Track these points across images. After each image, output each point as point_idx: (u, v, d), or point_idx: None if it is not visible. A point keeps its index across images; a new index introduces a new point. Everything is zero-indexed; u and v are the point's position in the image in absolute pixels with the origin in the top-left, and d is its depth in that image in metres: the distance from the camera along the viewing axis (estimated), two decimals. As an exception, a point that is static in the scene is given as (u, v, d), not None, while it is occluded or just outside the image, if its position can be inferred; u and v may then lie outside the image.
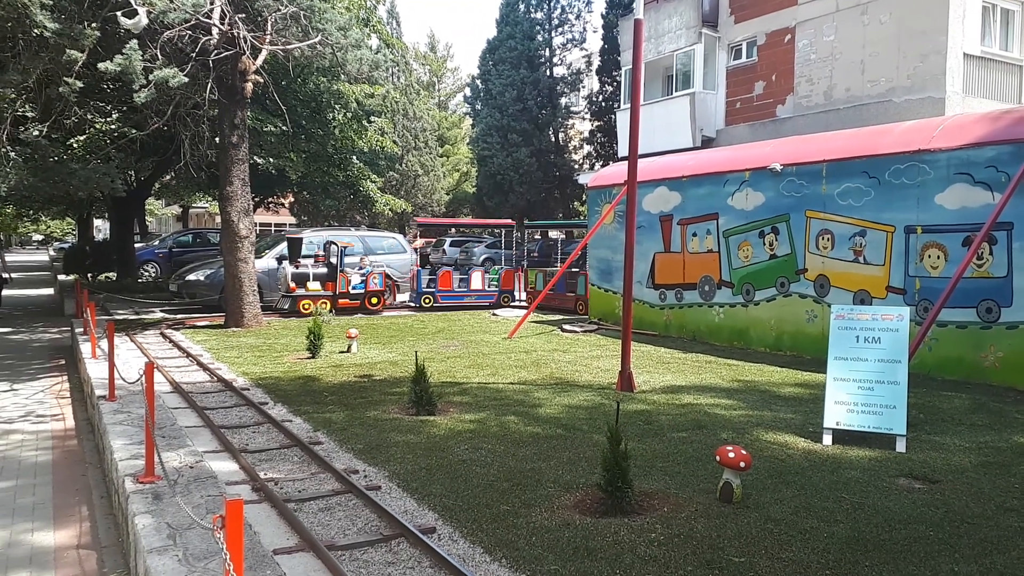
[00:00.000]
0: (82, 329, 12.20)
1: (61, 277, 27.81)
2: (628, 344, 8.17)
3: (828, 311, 9.81)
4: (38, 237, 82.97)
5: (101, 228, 51.52)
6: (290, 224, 45.83)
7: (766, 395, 8.06)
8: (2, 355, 12.93)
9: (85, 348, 10.36)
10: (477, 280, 17.96)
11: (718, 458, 4.82)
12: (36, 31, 9.49)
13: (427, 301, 17.33)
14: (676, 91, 23.69)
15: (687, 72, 23.52)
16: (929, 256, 9.02)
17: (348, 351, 10.99)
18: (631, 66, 24.58)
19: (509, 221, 23.86)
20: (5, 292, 22.44)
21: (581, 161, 42.33)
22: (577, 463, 5.63)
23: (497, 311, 16.92)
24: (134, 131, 13.69)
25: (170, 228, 48.09)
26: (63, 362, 12.25)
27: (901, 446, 5.98)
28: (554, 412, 7.29)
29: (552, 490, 5.05)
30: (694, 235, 12.06)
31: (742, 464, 4.74)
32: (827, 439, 6.19)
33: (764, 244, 10.94)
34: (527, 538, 4.25)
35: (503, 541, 4.21)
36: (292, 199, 33.18)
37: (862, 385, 6.24)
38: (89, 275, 23.83)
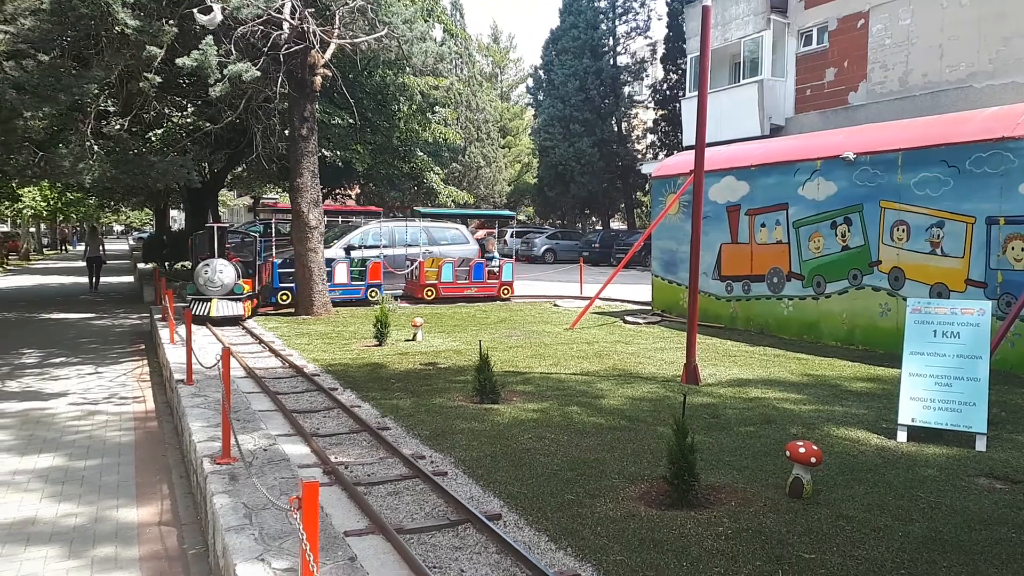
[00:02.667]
0: (160, 316, 12.71)
1: (140, 265, 28.99)
2: (694, 335, 8.08)
3: (902, 304, 9.53)
4: (118, 227, 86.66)
5: (176, 218, 53.47)
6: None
7: (837, 390, 7.86)
8: (88, 339, 13.57)
9: (164, 334, 10.79)
10: (341, 273, 15.86)
11: (788, 453, 4.73)
12: (118, 28, 9.89)
13: (284, 298, 14.82)
14: (743, 79, 23.20)
15: (755, 59, 23.00)
16: (1012, 248, 8.64)
17: (413, 339, 11.16)
18: (698, 54, 24.22)
19: (376, 208, 23.62)
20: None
21: (644, 151, 41.87)
22: (641, 455, 5.61)
23: (559, 302, 16.90)
24: (208, 124, 14.12)
25: (242, 218, 49.53)
26: (143, 347, 12.80)
27: (981, 445, 5.77)
28: (617, 403, 7.27)
29: (616, 481, 5.05)
30: (762, 226, 11.81)
31: (813, 459, 4.65)
32: (901, 436, 6.01)
33: (836, 235, 10.65)
34: (592, 528, 4.26)
35: (568, 530, 4.23)
36: (358, 190, 33.80)
37: (939, 381, 6.04)
38: (166, 263, 24.74)
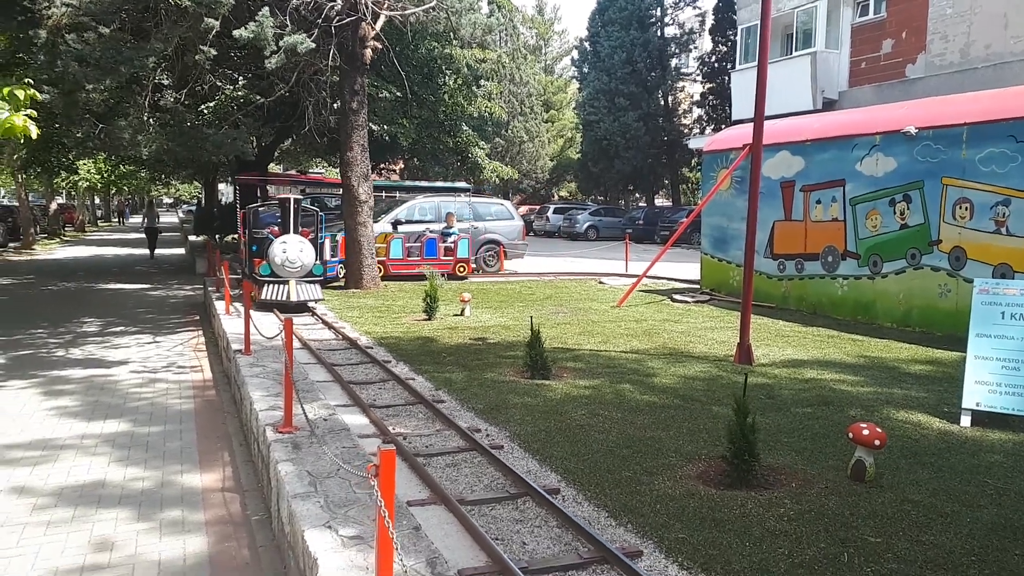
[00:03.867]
0: (215, 287, 12.97)
1: (192, 238, 29.60)
2: (748, 314, 7.98)
3: (963, 285, 9.27)
4: (168, 200, 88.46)
5: (224, 192, 54.38)
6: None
7: (895, 372, 7.71)
8: (144, 309, 13.95)
9: (219, 305, 11.02)
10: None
11: (851, 435, 4.66)
12: (175, 0, 10.01)
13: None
14: (796, 51, 22.61)
15: (808, 30, 22.38)
16: (1084, 228, 8.32)
17: (461, 314, 11.22)
18: (749, 24, 23.65)
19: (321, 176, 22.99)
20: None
21: (691, 125, 41.19)
22: (697, 434, 5.58)
23: (604, 279, 16.81)
24: (259, 98, 14.27)
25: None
26: (197, 318, 13.10)
27: (1050, 431, 5.61)
28: (669, 382, 7.23)
29: (673, 459, 5.03)
30: (818, 202, 11.56)
31: (876, 442, 4.57)
32: (965, 420, 5.87)
33: (895, 213, 10.37)
34: (651, 505, 4.26)
35: (627, 506, 4.24)
36: (403, 165, 33.91)
37: (1007, 365, 5.87)
38: (216, 236, 25.23)
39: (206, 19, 9.88)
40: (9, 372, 8.88)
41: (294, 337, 8.94)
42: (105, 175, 39.06)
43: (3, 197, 52.47)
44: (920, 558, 3.64)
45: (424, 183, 21.08)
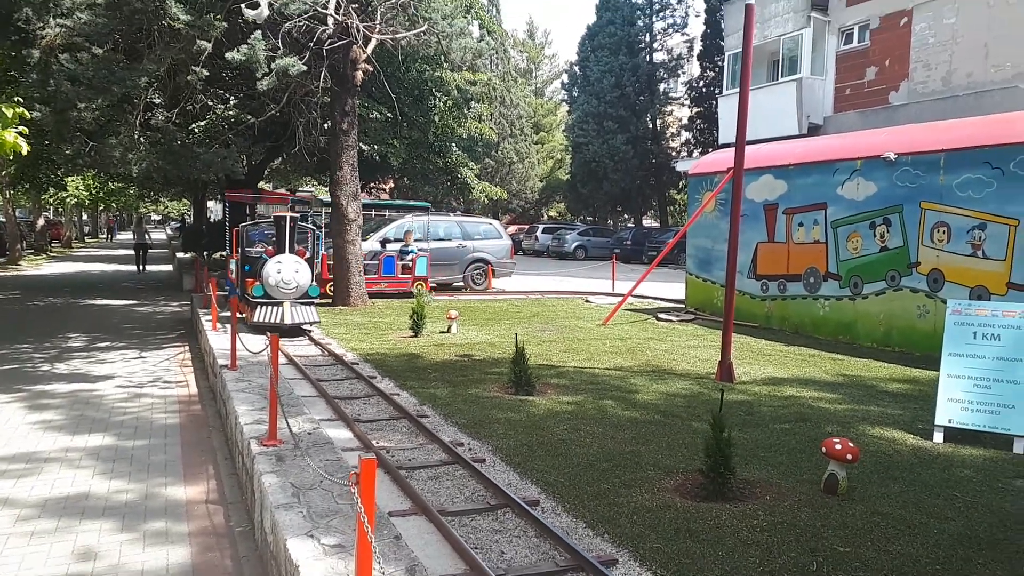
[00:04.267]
0: (202, 303, 13.01)
1: (179, 255, 29.60)
2: (730, 333, 8.11)
3: (941, 306, 9.44)
4: (156, 217, 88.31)
5: (213, 209, 54.39)
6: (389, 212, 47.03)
7: (873, 390, 7.84)
8: (131, 325, 13.95)
9: (206, 321, 11.06)
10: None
11: (824, 449, 4.77)
12: (169, 22, 10.16)
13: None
14: (782, 77, 23.01)
15: (794, 57, 22.80)
16: (1057, 251, 8.52)
17: (448, 331, 11.30)
18: (736, 51, 24.04)
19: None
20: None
21: (679, 148, 41.65)
22: (676, 448, 5.68)
23: (591, 298, 16.95)
24: (250, 117, 14.41)
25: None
26: (184, 333, 13.13)
27: (1020, 447, 5.74)
28: (651, 398, 7.34)
29: (652, 473, 5.13)
30: (800, 225, 11.76)
31: (849, 456, 4.69)
32: (938, 437, 6.00)
33: (875, 236, 10.57)
34: (628, 516, 4.35)
35: (605, 518, 4.33)
36: (392, 184, 34.10)
37: (978, 383, 6.02)
38: (204, 253, 25.25)
39: (199, 41, 10.04)
40: (-6, 386, 8.88)
41: (280, 353, 9.03)
42: (93, 192, 39.05)
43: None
44: (887, 566, 3.74)
45: (383, 200, 20.94)
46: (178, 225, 54.78)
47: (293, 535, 3.77)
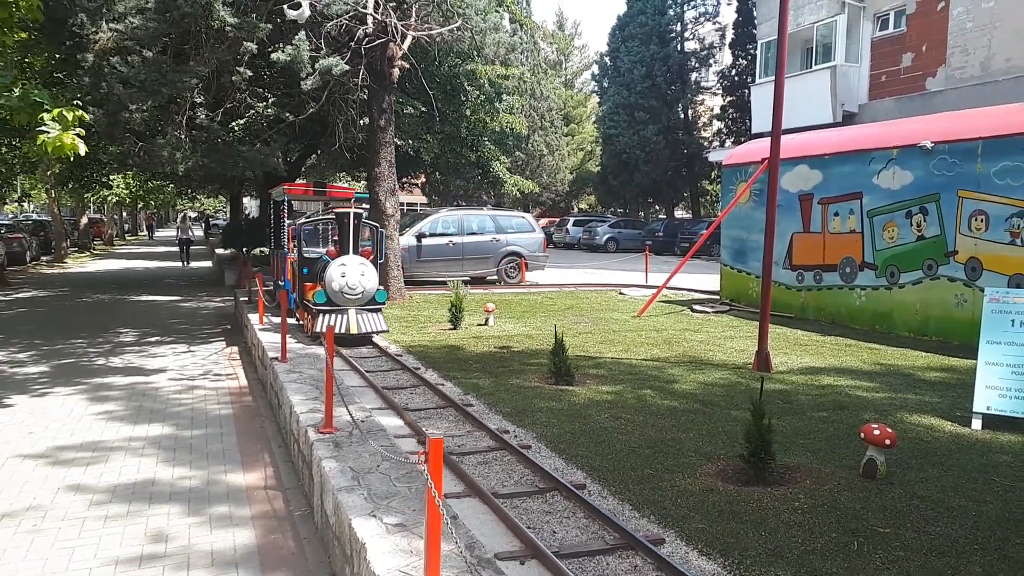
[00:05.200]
0: (247, 298, 13.38)
1: (219, 251, 30.21)
2: (767, 323, 8.21)
3: (979, 295, 9.42)
4: (192, 214, 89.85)
5: (248, 206, 55.28)
6: (421, 204, 47.50)
7: (910, 379, 7.90)
8: (178, 320, 14.40)
9: (252, 315, 11.41)
10: None
11: (862, 435, 4.90)
12: (216, 24, 10.48)
13: None
14: (816, 64, 22.83)
15: (828, 44, 22.59)
16: (1098, 239, 8.48)
17: (485, 324, 11.53)
18: (769, 39, 23.90)
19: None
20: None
21: (710, 138, 41.37)
22: (716, 436, 5.83)
23: (624, 290, 17.06)
24: (289, 116, 14.73)
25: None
26: (229, 327, 13.52)
27: (1059, 434, 5.80)
28: (690, 388, 7.48)
29: (693, 459, 5.29)
30: (836, 214, 11.77)
31: (887, 442, 4.81)
32: (976, 424, 6.08)
33: (911, 225, 10.56)
34: (672, 499, 4.52)
35: (650, 500, 4.51)
36: (424, 179, 34.39)
37: (1016, 370, 6.07)
38: (243, 249, 25.77)
39: (245, 43, 10.34)
40: (54, 379, 9.30)
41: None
42: (133, 190, 39.95)
43: (33, 212, 53.68)
44: (926, 546, 3.88)
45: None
46: (216, 223, 55.73)
47: (357, 515, 4.00)
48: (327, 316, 9.45)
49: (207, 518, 5.23)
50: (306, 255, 10.71)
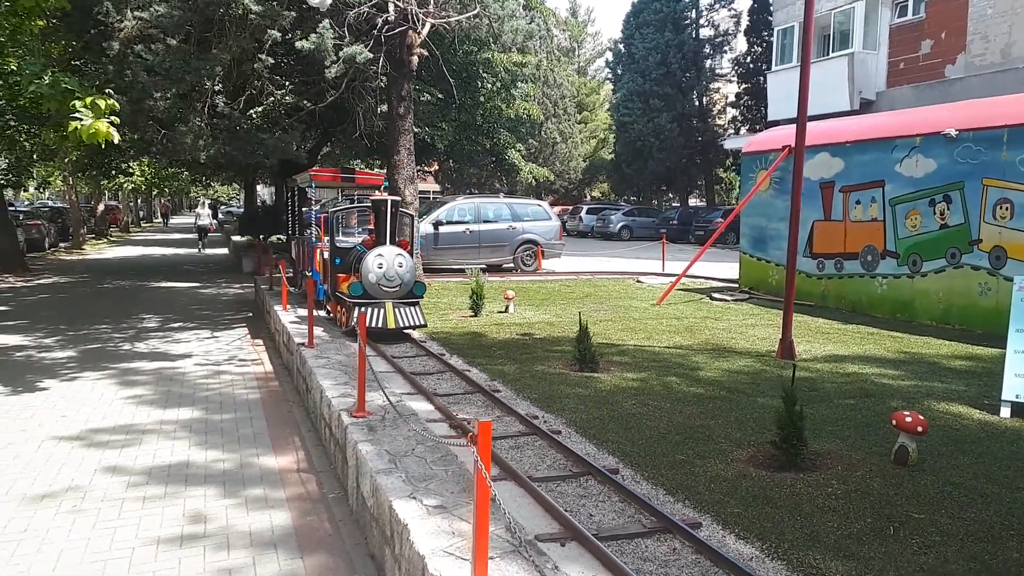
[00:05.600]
0: (268, 285, 13.48)
1: (235, 238, 30.40)
2: (791, 311, 8.23)
3: (1004, 284, 9.41)
4: (206, 201, 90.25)
5: (261, 194, 55.45)
6: (434, 192, 47.51)
7: (935, 367, 7.90)
8: (198, 306, 14.52)
9: (275, 301, 11.49)
10: None
11: (894, 422, 4.92)
12: (240, 12, 10.51)
13: None
14: (833, 52, 22.64)
15: (845, 31, 22.41)
16: (1126, 227, 8.43)
17: (506, 311, 11.58)
18: (792, 24, 23.71)
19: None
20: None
21: (725, 126, 41.15)
22: (745, 423, 5.86)
23: (642, 278, 17.07)
24: (307, 104, 14.78)
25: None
26: (250, 314, 13.63)
27: (1089, 422, 5.80)
28: (715, 375, 7.51)
29: (724, 445, 5.33)
30: (857, 203, 11.73)
31: (919, 428, 4.83)
32: (1005, 411, 6.08)
33: (934, 213, 10.52)
34: (706, 484, 4.57)
35: (683, 485, 4.55)
36: (437, 167, 34.39)
37: (1046, 359, 6.07)
38: (260, 236, 25.93)
39: (269, 31, 10.38)
40: (82, 364, 9.42)
41: (356, 332, 9.37)
42: (148, 177, 40.16)
43: (48, 199, 54.07)
44: (962, 532, 3.91)
45: None
46: (229, 211, 55.95)
47: (397, 497, 4.07)
48: (362, 309, 8.65)
49: (243, 500, 5.31)
50: (339, 244, 10.23)
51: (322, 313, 10.74)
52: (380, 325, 8.88)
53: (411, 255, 9.49)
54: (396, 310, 9.07)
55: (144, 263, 24.39)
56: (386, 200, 9.28)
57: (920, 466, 4.87)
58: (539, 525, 3.90)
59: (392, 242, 9.24)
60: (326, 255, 10.50)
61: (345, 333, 9.20)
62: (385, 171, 14.47)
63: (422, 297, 9.45)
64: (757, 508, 4.20)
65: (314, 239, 11.42)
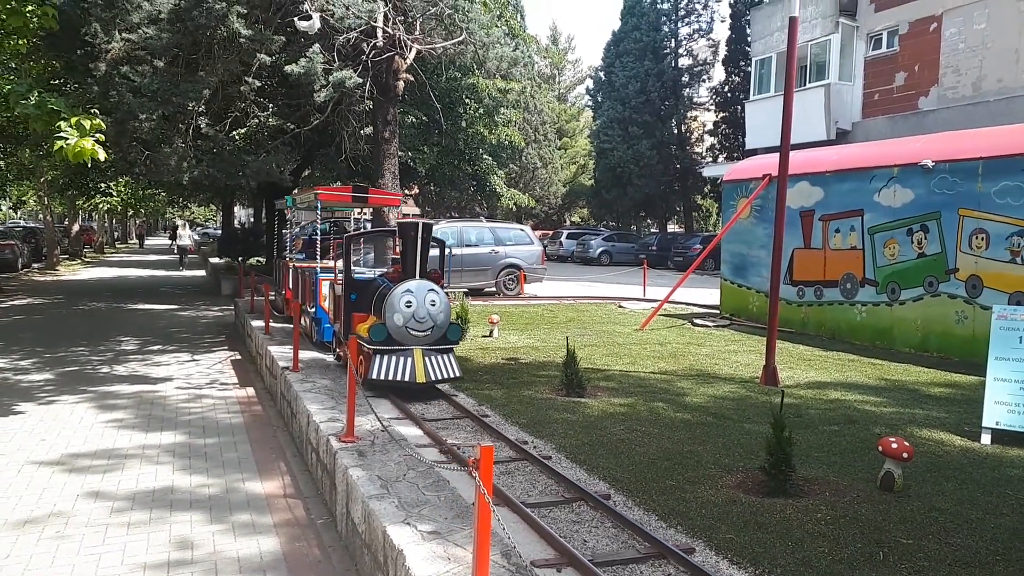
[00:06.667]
0: (249, 308, 13.39)
1: (213, 260, 30.15)
2: (774, 337, 8.32)
3: (980, 312, 9.60)
4: (180, 222, 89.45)
5: (238, 215, 55.14)
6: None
7: (916, 394, 8.02)
8: (177, 329, 14.38)
9: (256, 324, 11.41)
10: None
11: (880, 448, 4.99)
12: (227, 34, 10.53)
13: None
14: (809, 82, 23.12)
15: (822, 63, 22.91)
16: (1097, 258, 8.66)
17: (490, 335, 11.59)
18: (769, 55, 24.21)
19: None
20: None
21: (704, 153, 41.76)
22: (733, 448, 5.91)
23: (624, 304, 17.17)
24: (291, 126, 14.80)
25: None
26: (230, 337, 13.52)
27: (1067, 449, 5.92)
28: (700, 401, 7.57)
29: (713, 470, 5.37)
30: (837, 231, 11.93)
31: (905, 455, 4.90)
32: (985, 438, 6.19)
33: (912, 242, 10.73)
34: (697, 510, 4.59)
35: (675, 511, 4.57)
36: (417, 190, 34.45)
37: (1024, 386, 6.20)
38: (239, 258, 25.74)
39: (258, 55, 10.42)
40: (60, 387, 9.29)
41: (340, 358, 9.32)
42: (125, 198, 39.82)
43: (20, 218, 53.36)
44: (950, 557, 3.97)
45: None
46: (206, 232, 55.49)
47: (391, 523, 4.05)
48: (386, 359, 7.19)
49: (230, 525, 5.25)
50: (356, 276, 8.53)
51: (329, 357, 9.25)
52: (408, 379, 7.15)
53: (443, 290, 7.69)
54: (427, 359, 7.30)
55: (121, 284, 24.11)
56: (416, 224, 7.48)
57: (906, 492, 4.94)
58: (535, 551, 3.90)
59: (423, 275, 7.51)
60: (338, 289, 8.69)
61: (367, 387, 7.20)
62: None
63: (457, 343, 7.66)
64: (749, 533, 4.23)
65: (318, 270, 9.93)
